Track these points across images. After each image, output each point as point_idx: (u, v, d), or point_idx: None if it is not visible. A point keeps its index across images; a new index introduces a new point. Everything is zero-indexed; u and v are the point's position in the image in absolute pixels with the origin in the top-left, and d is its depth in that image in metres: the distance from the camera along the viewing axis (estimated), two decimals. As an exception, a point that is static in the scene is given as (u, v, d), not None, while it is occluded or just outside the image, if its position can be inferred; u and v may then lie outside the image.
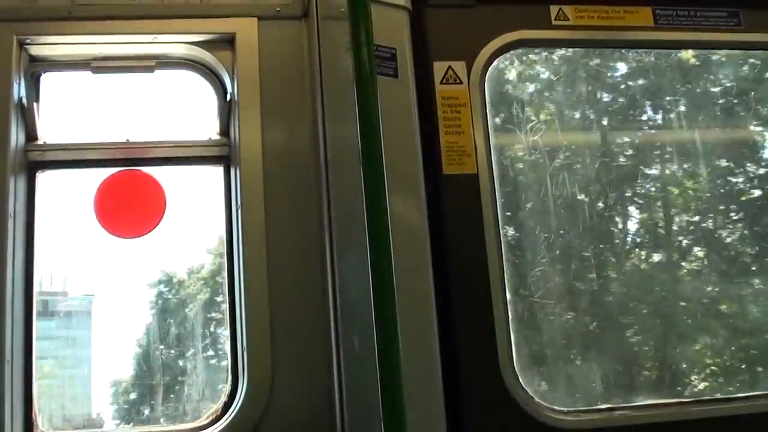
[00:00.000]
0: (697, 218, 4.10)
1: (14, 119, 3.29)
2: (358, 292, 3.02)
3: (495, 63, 3.71)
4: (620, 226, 4.00)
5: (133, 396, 3.46)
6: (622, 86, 4.17)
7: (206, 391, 3.44)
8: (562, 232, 3.80)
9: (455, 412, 3.21)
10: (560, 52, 4.05)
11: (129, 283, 3.53)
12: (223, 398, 3.23)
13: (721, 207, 4.07)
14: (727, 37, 3.97)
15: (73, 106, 3.60)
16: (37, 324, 3.27)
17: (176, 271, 3.63)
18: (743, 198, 4.08)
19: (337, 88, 3.31)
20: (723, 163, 4.13)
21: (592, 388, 3.68)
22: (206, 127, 3.54)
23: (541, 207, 3.79)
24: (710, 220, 4.08)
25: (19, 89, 3.34)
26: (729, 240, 4.04)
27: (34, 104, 3.40)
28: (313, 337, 3.19)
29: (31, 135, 3.39)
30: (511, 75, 3.96)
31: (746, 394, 3.75)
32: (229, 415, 3.16)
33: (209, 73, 3.53)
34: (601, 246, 3.88)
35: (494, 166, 3.58)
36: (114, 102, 3.62)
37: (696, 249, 4.07)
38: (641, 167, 4.02)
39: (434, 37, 3.64)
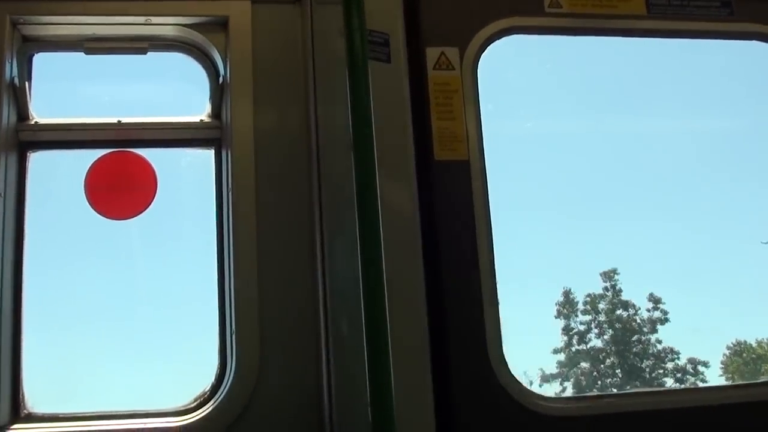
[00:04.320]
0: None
1: (6, 99, 3.29)
2: (347, 276, 3.03)
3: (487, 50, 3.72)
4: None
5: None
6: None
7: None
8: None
9: (444, 398, 3.23)
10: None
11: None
12: (212, 381, 3.24)
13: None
14: (718, 26, 3.97)
15: (65, 86, 3.60)
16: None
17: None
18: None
19: (329, 72, 3.31)
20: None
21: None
22: (198, 110, 3.54)
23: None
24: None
25: (11, 69, 3.33)
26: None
27: (26, 84, 3.39)
28: (302, 320, 3.19)
29: (22, 115, 3.38)
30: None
31: (734, 384, 3.77)
32: (217, 398, 3.16)
33: (202, 56, 3.52)
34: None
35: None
36: (106, 82, 3.62)
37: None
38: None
39: (427, 22, 3.63)
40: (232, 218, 3.28)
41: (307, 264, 3.22)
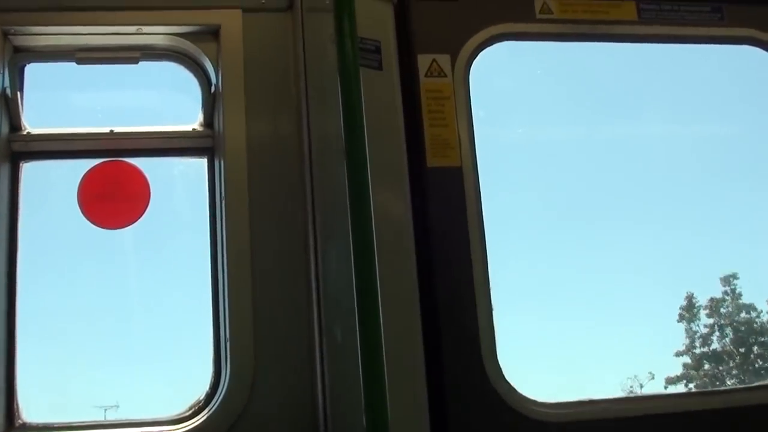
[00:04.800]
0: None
1: None
2: (341, 284, 3.03)
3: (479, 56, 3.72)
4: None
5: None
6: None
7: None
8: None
9: (438, 404, 3.22)
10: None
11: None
12: (206, 389, 3.23)
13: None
14: (710, 31, 3.99)
15: (57, 96, 3.61)
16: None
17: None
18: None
19: (321, 80, 3.30)
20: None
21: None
22: (190, 118, 3.54)
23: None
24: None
25: (2, 79, 3.33)
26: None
27: (18, 94, 3.39)
28: (297, 328, 3.17)
29: (14, 125, 3.37)
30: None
31: (728, 388, 3.78)
32: (212, 407, 3.14)
33: (194, 65, 3.52)
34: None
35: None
36: (98, 92, 3.62)
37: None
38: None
39: (419, 29, 3.64)
40: (226, 226, 3.27)
41: (300, 271, 3.21)
